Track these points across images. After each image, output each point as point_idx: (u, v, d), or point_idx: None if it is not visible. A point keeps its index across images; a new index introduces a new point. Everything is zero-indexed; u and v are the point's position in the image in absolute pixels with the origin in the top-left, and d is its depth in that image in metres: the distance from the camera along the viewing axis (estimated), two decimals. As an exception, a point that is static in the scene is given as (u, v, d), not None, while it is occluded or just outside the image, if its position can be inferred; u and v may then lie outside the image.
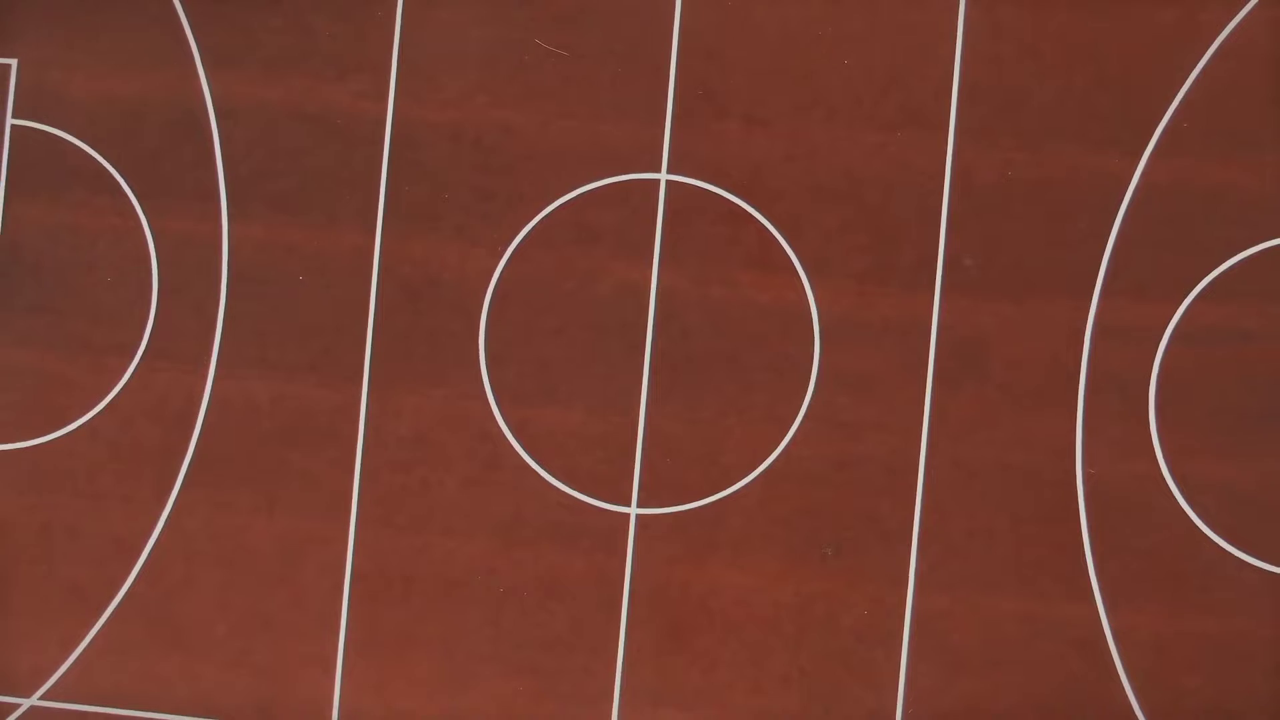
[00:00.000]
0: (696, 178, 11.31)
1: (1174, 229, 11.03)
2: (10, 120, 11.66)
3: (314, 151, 11.51)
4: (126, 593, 11.51)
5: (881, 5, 11.24)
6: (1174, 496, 10.96)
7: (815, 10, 11.28)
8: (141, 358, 11.55)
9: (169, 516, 11.50)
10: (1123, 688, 10.98)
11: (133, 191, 11.58)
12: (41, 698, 11.53)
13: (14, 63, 11.66)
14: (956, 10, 11.18)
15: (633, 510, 11.29)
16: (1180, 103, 11.04)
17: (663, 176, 11.32)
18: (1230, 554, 10.93)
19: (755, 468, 11.24)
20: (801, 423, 11.20)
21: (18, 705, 11.54)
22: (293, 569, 11.44)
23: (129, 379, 11.56)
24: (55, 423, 11.62)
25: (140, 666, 11.50)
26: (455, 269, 11.42)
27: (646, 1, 11.38)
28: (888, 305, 11.18)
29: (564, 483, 11.33)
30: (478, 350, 11.41)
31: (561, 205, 11.37)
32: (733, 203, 11.28)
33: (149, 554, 11.51)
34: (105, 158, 11.61)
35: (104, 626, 11.52)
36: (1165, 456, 10.99)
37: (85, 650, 11.52)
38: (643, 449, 11.28)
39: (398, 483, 11.41)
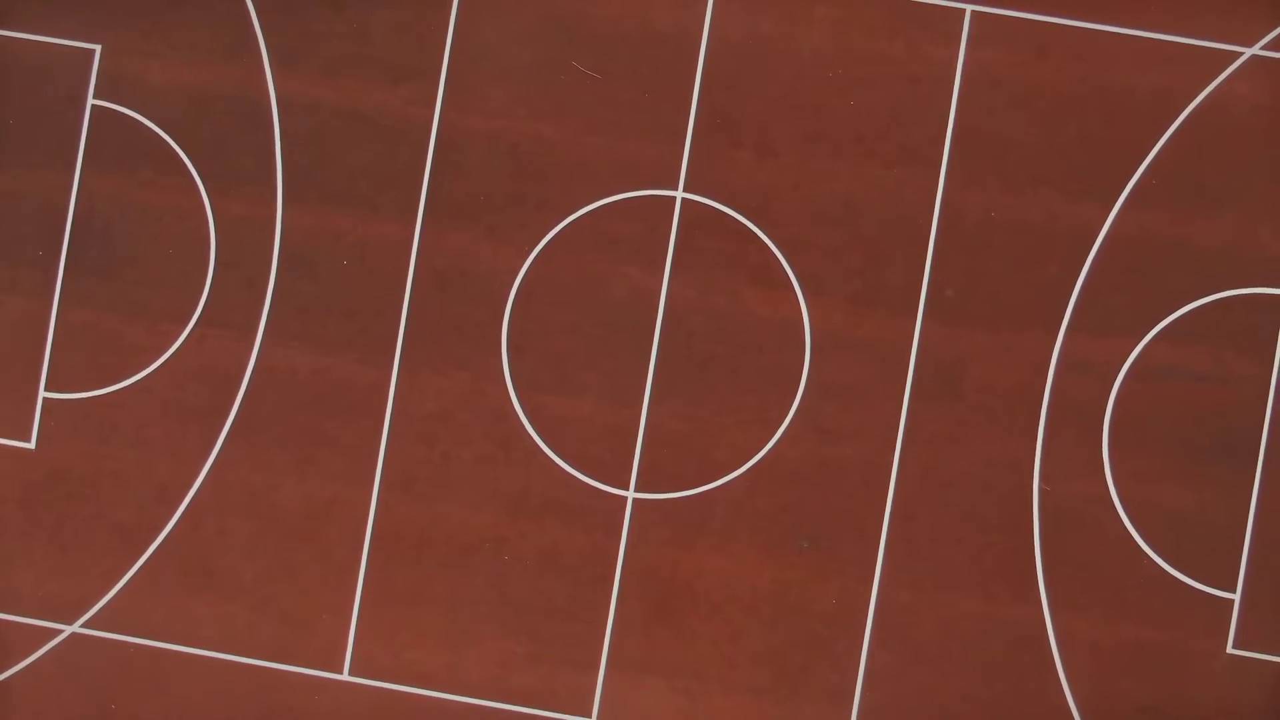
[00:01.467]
0: (709, 198, 11.48)
1: (1137, 275, 11.27)
2: (91, 100, 11.71)
3: (364, 148, 11.64)
4: (166, 536, 11.65)
5: (888, 53, 11.41)
6: (1120, 516, 11.22)
7: (827, 54, 11.45)
8: (195, 325, 11.67)
9: (209, 470, 11.62)
10: (1061, 685, 11.18)
11: (198, 173, 11.70)
12: (82, 626, 11.65)
13: (98, 48, 11.71)
14: (955, 63, 11.37)
15: (630, 494, 11.49)
16: (1151, 161, 11.26)
17: (679, 194, 11.48)
18: (1168, 572, 11.19)
19: (744, 464, 11.44)
20: (788, 426, 11.41)
21: (61, 631, 11.64)
22: (318, 526, 11.61)
23: (182, 343, 11.67)
24: (112, 378, 11.71)
25: (173, 604, 11.64)
26: (485, 264, 11.59)
27: (675, 36, 11.51)
28: (874, 325, 11.39)
29: (570, 465, 11.52)
30: (500, 339, 11.57)
31: (585, 214, 11.55)
32: (740, 223, 11.47)
33: (189, 503, 11.64)
34: (175, 141, 11.70)
35: (143, 566, 11.65)
36: (1115, 479, 11.23)
37: (125, 586, 11.65)
38: (643, 440, 11.47)
39: (419, 454, 11.57)
